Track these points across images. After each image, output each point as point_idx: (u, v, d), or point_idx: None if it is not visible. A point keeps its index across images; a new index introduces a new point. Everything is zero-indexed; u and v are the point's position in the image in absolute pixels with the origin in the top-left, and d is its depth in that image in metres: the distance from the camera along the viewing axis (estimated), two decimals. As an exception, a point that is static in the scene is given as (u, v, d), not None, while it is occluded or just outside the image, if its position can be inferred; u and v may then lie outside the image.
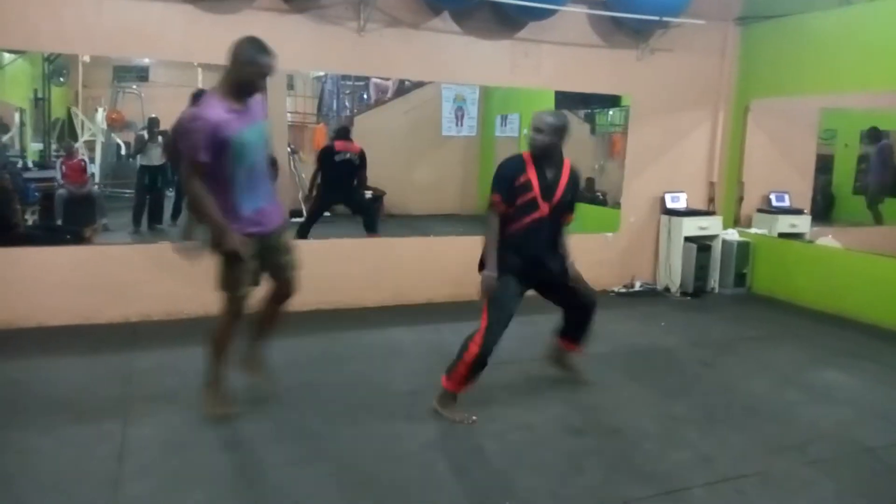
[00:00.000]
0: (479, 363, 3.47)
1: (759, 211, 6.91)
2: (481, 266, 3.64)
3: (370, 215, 7.34)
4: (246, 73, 3.12)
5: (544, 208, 3.56)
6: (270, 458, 3.00)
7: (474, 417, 3.48)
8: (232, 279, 3.22)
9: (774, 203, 6.88)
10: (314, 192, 7.33)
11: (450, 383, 3.53)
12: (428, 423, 3.41)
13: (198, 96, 5.72)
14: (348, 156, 7.07)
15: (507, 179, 3.54)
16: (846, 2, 5.75)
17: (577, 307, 3.91)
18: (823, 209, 8.89)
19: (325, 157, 7.13)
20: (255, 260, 3.25)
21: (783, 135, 6.92)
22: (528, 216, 3.55)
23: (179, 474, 2.84)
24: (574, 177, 3.70)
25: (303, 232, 6.69)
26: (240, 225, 3.16)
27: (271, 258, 3.38)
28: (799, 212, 6.90)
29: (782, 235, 6.67)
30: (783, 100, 6.56)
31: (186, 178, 3.15)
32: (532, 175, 3.55)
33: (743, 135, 6.70)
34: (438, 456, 3.08)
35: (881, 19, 5.48)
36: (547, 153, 3.56)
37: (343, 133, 7.39)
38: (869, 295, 5.64)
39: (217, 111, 3.07)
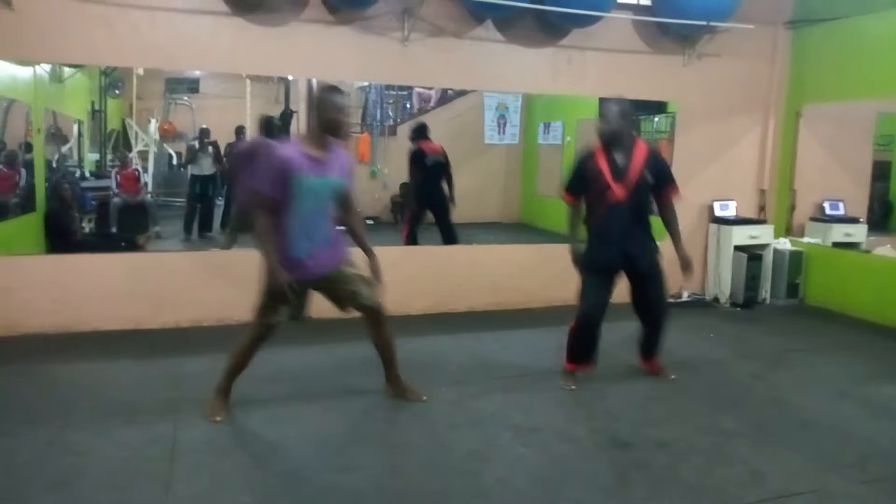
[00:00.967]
0: (580, 334, 3.89)
1: (813, 219, 6.71)
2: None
3: (450, 224, 7.05)
4: (325, 119, 3.24)
5: (619, 192, 3.74)
6: (316, 464, 3.03)
7: (573, 386, 3.95)
8: (267, 307, 3.39)
9: (828, 211, 6.68)
10: (408, 199, 7.14)
11: (566, 362, 4.02)
12: (472, 431, 3.40)
13: (266, 123, 6.01)
14: (439, 158, 6.90)
15: (575, 172, 3.87)
16: (901, 3, 5.56)
17: (645, 312, 4.06)
18: (880, 218, 8.57)
19: (417, 160, 6.94)
20: (300, 298, 3.42)
21: (837, 141, 6.72)
22: (605, 202, 3.78)
23: (228, 476, 2.90)
24: (651, 155, 3.84)
25: (412, 240, 6.84)
26: (288, 265, 3.27)
27: (337, 292, 3.52)
28: (854, 220, 6.68)
29: (837, 245, 6.46)
30: (836, 104, 6.37)
31: (250, 207, 3.27)
32: (602, 162, 3.76)
33: (795, 141, 6.53)
34: (483, 466, 3.06)
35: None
36: (615, 139, 3.76)
37: (423, 132, 7.13)
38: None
39: (290, 150, 3.21)
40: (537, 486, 2.91)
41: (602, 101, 3.77)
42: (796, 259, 6.34)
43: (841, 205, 6.73)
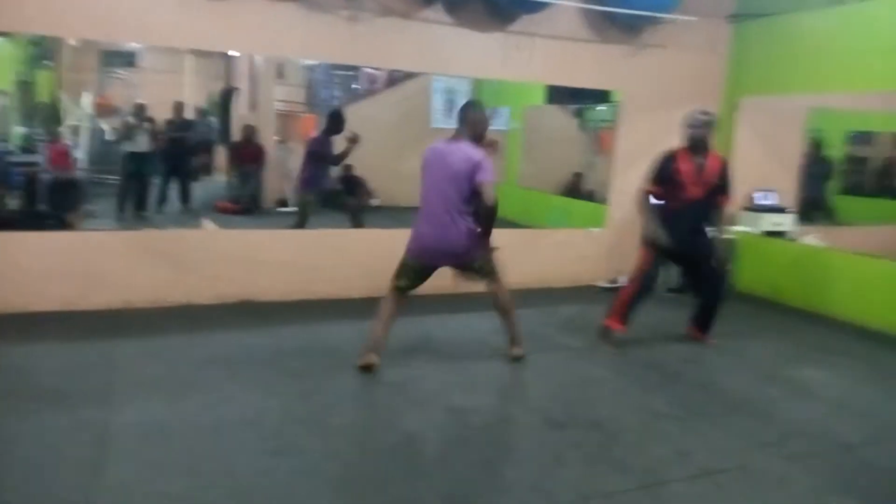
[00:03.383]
0: (638, 298, 4.55)
1: (745, 209, 6.96)
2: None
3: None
4: (480, 134, 4.00)
5: (694, 191, 4.41)
6: (252, 447, 2.99)
7: (615, 350, 4.52)
8: (397, 271, 4.05)
9: (760, 201, 6.93)
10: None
11: (611, 320, 4.58)
12: (412, 413, 3.42)
13: (333, 115, 6.25)
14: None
15: (661, 169, 4.50)
16: (837, 1, 5.78)
17: (706, 291, 4.72)
18: (814, 211, 8.96)
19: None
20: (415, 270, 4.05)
21: (771, 134, 6.96)
22: (681, 198, 4.43)
23: (160, 462, 2.83)
24: (723, 164, 4.55)
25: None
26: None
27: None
28: (782, 210, 6.96)
29: (767, 234, 6.72)
30: (772, 98, 6.60)
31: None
32: (684, 164, 4.42)
33: (731, 133, 6.74)
34: (422, 447, 3.09)
35: (870, 20, 5.52)
36: (699, 144, 4.42)
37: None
38: (850, 293, 5.71)
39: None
40: (475, 467, 2.96)
41: (691, 112, 4.50)
42: (728, 247, 6.57)
43: (772, 195, 6.99)
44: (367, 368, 3.89)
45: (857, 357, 4.80)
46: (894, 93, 5.35)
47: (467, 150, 3.88)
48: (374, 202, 9.85)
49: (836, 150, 9.47)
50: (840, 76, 5.81)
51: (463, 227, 3.92)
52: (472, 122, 3.96)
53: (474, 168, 3.82)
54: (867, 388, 4.20)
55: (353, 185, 9.39)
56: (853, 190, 9.72)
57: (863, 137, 9.90)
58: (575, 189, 9.94)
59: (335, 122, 7.07)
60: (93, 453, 2.85)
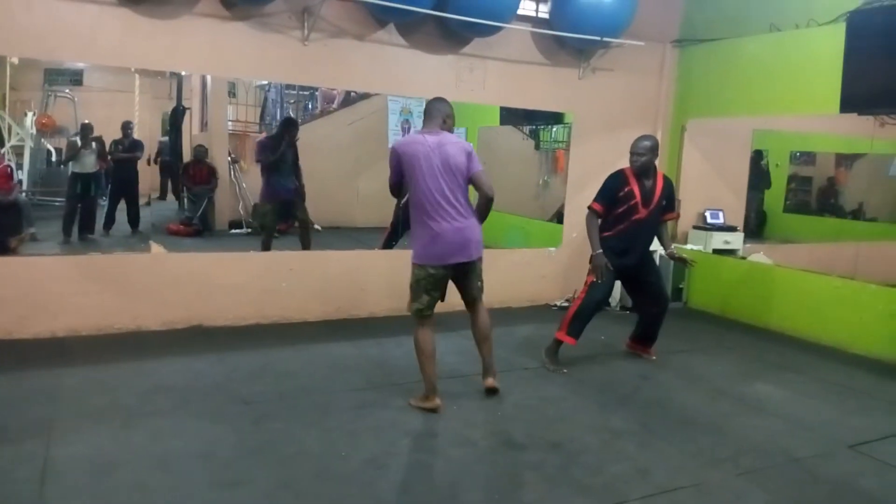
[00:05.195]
0: (587, 313, 4.59)
1: (695, 227, 7.13)
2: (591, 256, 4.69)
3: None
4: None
5: (643, 212, 4.56)
6: (202, 479, 2.89)
7: (565, 370, 4.54)
8: (415, 293, 3.79)
9: (709, 220, 7.11)
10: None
11: (560, 333, 4.61)
12: (369, 439, 3.36)
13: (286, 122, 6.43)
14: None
15: (609, 190, 4.62)
16: (775, 28, 6.02)
17: (650, 308, 4.86)
18: (756, 226, 9.25)
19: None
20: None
21: (718, 154, 7.17)
22: (630, 218, 4.57)
23: (106, 497, 2.71)
24: (667, 184, 4.70)
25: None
26: None
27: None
28: (733, 229, 7.16)
29: (717, 252, 6.89)
30: (717, 120, 6.81)
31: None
32: (634, 186, 4.56)
33: (679, 153, 6.93)
34: (380, 473, 3.03)
35: (808, 46, 5.76)
36: (644, 169, 4.57)
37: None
38: (797, 309, 5.88)
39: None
40: (434, 492, 2.92)
41: (636, 140, 4.58)
42: (680, 265, 6.71)
43: (721, 214, 7.19)
44: (434, 411, 3.70)
45: (803, 371, 4.94)
46: (832, 115, 5.57)
47: (460, 141, 3.75)
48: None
49: (781, 170, 9.82)
50: (780, 99, 6.04)
51: (472, 220, 3.73)
52: (445, 116, 3.76)
53: (469, 158, 3.67)
54: (816, 403, 4.31)
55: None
56: (798, 208, 10.07)
57: (806, 158, 10.29)
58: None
59: (287, 127, 7.04)
60: (34, 489, 2.71)
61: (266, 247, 6.65)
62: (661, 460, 3.31)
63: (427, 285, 3.72)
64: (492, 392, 3.97)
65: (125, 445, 3.15)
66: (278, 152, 6.80)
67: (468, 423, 3.63)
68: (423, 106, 3.88)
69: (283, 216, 7.28)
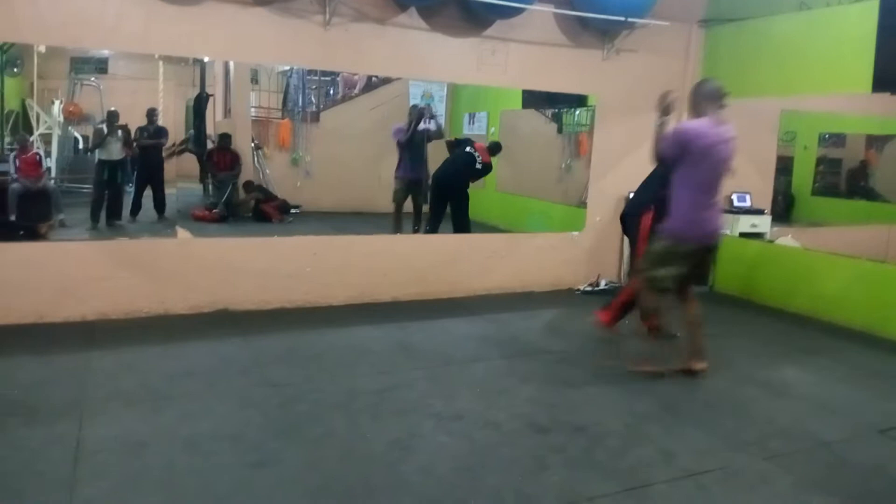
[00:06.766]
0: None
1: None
2: None
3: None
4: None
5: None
6: (230, 460, 2.94)
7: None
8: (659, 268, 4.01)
9: (736, 203, 7.00)
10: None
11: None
12: (394, 421, 3.38)
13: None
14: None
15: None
16: (805, 6, 5.87)
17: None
18: (784, 209, 9.09)
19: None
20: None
21: (745, 136, 6.95)
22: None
23: (137, 476, 2.76)
24: None
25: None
26: None
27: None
28: (760, 212, 7.04)
29: (743, 235, 6.79)
30: (744, 101, 6.67)
31: None
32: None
33: (706, 135, 6.80)
34: (404, 455, 3.05)
35: (838, 24, 5.62)
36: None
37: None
38: (825, 293, 5.78)
39: None
40: (458, 474, 2.93)
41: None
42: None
43: (748, 197, 7.07)
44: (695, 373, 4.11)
45: (831, 355, 4.86)
46: (863, 95, 5.43)
47: (732, 132, 3.93)
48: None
49: (810, 153, 9.63)
50: (809, 79, 5.90)
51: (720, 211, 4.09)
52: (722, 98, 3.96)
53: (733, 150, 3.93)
54: (843, 387, 4.25)
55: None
56: (827, 191, 9.87)
57: (836, 139, 10.07)
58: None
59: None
60: (66, 469, 2.77)
61: (397, 226, 7.31)
62: (686, 444, 3.29)
63: (676, 258, 3.97)
64: (693, 373, 4.15)
65: (155, 427, 3.21)
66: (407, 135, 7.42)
67: (493, 406, 3.64)
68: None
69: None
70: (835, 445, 3.37)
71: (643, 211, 4.79)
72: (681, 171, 3.93)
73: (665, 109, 4.09)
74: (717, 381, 4.22)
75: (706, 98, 3.93)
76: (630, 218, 5.02)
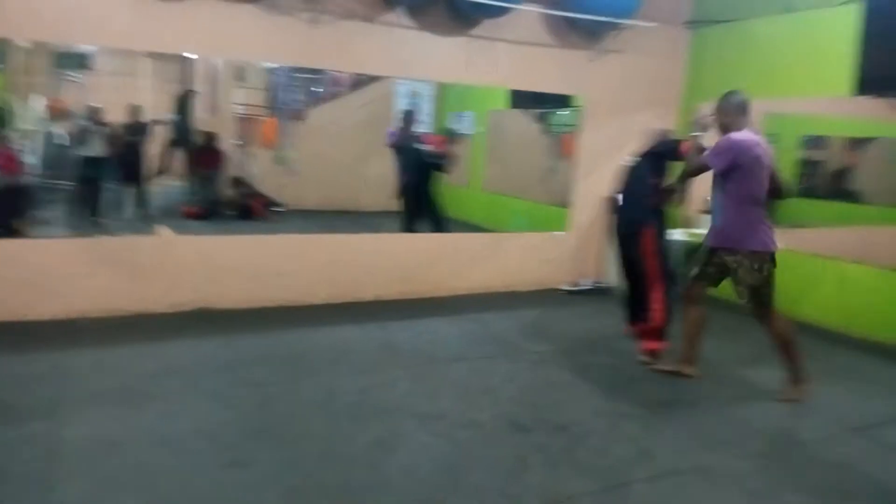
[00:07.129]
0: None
1: (704, 212, 7.06)
2: None
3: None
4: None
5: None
6: (208, 459, 2.91)
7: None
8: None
9: (719, 204, 7.03)
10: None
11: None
12: (375, 421, 3.37)
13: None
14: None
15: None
16: (790, 9, 5.92)
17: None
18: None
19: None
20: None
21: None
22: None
23: (114, 476, 2.74)
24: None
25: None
26: None
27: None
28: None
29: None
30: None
31: None
32: None
33: (690, 137, 6.83)
34: (386, 455, 3.04)
35: (822, 27, 5.66)
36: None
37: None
38: (803, 294, 5.83)
39: None
40: (440, 474, 2.92)
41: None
42: (690, 250, 6.66)
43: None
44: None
45: (811, 356, 4.89)
46: (844, 98, 5.49)
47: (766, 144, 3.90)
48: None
49: (792, 154, 9.70)
50: (792, 81, 5.95)
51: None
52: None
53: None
54: (819, 387, 4.27)
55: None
56: (808, 193, 9.95)
57: (817, 141, 10.16)
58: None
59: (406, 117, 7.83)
60: (42, 469, 2.74)
61: (408, 227, 7.19)
62: (666, 443, 3.31)
63: (773, 277, 4.02)
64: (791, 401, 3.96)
65: (132, 426, 3.18)
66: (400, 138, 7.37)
67: (475, 406, 3.64)
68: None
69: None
70: (809, 444, 3.40)
71: (643, 229, 4.51)
72: (731, 185, 3.87)
73: (703, 126, 4.10)
74: (698, 381, 4.25)
75: (737, 110, 3.87)
76: (630, 237, 4.59)
